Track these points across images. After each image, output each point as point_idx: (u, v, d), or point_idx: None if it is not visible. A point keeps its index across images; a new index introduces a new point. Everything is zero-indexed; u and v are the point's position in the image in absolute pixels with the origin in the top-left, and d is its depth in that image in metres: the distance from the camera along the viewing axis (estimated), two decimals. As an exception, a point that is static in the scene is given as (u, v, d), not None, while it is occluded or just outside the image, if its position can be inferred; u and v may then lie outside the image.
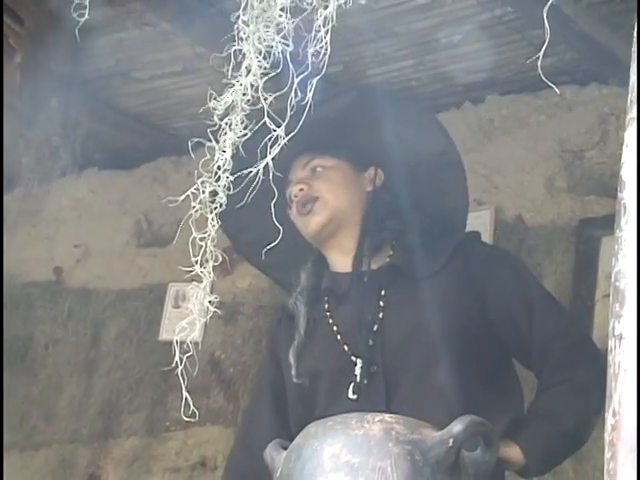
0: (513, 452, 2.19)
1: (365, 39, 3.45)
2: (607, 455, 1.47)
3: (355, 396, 2.25)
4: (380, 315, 2.32)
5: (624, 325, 1.50)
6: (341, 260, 2.43)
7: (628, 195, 1.54)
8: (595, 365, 2.16)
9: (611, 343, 1.52)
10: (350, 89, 3.03)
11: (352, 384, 2.26)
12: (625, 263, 1.52)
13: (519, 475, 2.28)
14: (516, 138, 3.72)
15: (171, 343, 2.11)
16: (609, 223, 1.63)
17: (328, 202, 2.41)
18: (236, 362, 4.00)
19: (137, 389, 4.18)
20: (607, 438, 1.48)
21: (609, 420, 1.49)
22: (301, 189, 2.42)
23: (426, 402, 2.18)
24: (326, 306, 2.41)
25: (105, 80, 3.94)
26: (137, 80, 3.93)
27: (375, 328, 2.30)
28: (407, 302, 2.31)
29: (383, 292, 2.34)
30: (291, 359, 2.37)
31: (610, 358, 1.52)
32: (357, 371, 2.27)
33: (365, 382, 2.25)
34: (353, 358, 2.29)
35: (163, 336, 4.08)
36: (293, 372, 2.35)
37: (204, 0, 3.30)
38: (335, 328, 2.36)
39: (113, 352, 4.31)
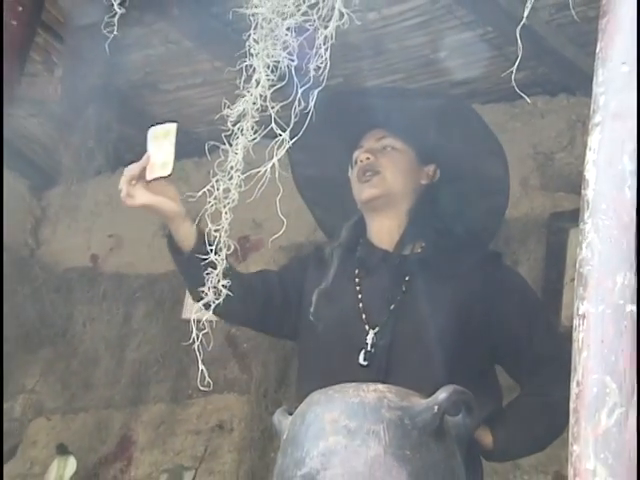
0: (485, 436, 2.20)
1: (362, 55, 3.44)
2: (572, 420, 1.47)
3: (366, 362, 2.21)
4: (399, 297, 2.27)
5: (587, 306, 1.49)
6: (379, 233, 2.38)
7: (590, 192, 1.53)
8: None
9: (576, 322, 1.51)
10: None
11: (363, 351, 2.22)
12: (588, 252, 1.51)
13: (482, 457, 2.28)
14: (495, 142, 3.70)
15: (193, 321, 2.11)
16: (576, 217, 1.62)
17: (386, 179, 2.36)
18: (249, 338, 3.99)
19: (163, 362, 4.18)
20: (572, 406, 1.48)
21: (573, 390, 1.48)
22: (368, 158, 2.38)
23: (417, 386, 2.11)
24: (357, 272, 2.35)
25: (135, 91, 3.93)
26: (163, 91, 3.93)
27: (392, 307, 2.26)
28: (423, 294, 2.27)
29: (407, 278, 2.29)
30: (314, 297, 2.31)
31: (575, 335, 1.51)
32: (369, 340, 2.23)
33: (373, 352, 2.22)
34: (367, 327, 2.25)
35: (185, 315, 4.07)
36: (311, 309, 2.30)
37: (221, 20, 3.29)
38: (360, 296, 2.30)
39: (142, 329, 4.30)
